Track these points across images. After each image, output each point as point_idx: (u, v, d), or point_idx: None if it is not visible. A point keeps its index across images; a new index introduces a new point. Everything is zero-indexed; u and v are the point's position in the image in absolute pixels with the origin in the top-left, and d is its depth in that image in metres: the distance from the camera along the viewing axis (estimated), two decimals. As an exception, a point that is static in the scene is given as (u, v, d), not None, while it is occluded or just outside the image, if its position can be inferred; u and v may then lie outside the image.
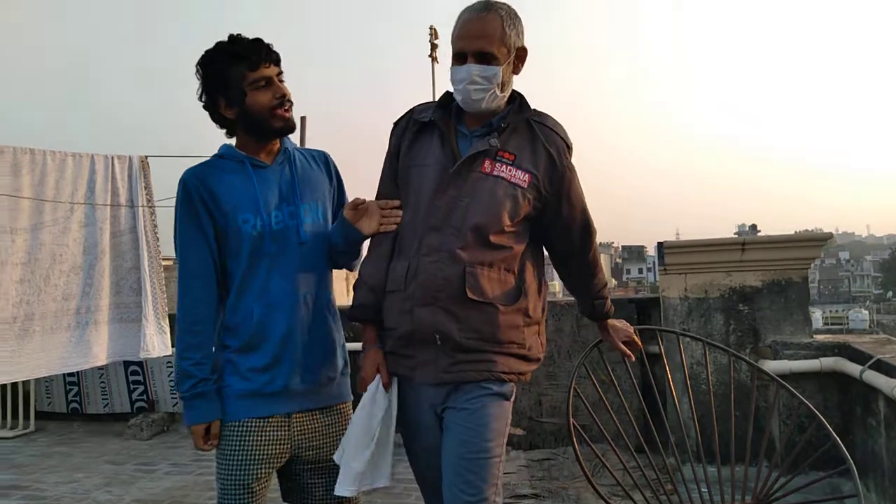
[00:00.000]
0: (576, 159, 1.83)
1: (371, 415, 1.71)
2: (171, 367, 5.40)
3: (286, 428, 1.75)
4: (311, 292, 1.79)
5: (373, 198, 1.86)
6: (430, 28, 15.00)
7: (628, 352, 2.12)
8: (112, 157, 4.90)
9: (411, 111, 1.86)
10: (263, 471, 1.73)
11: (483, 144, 1.70)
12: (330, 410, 1.84)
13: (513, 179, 1.70)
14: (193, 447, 1.75)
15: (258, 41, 1.73)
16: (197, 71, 1.76)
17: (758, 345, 3.92)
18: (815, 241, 4.15)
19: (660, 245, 4.20)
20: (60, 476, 4.31)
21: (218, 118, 1.80)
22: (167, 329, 4.77)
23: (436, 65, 14.96)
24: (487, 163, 1.71)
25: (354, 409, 1.77)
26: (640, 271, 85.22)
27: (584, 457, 2.29)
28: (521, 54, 1.76)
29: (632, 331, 2.14)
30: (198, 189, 1.72)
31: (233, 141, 1.83)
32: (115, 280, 4.84)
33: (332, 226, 1.88)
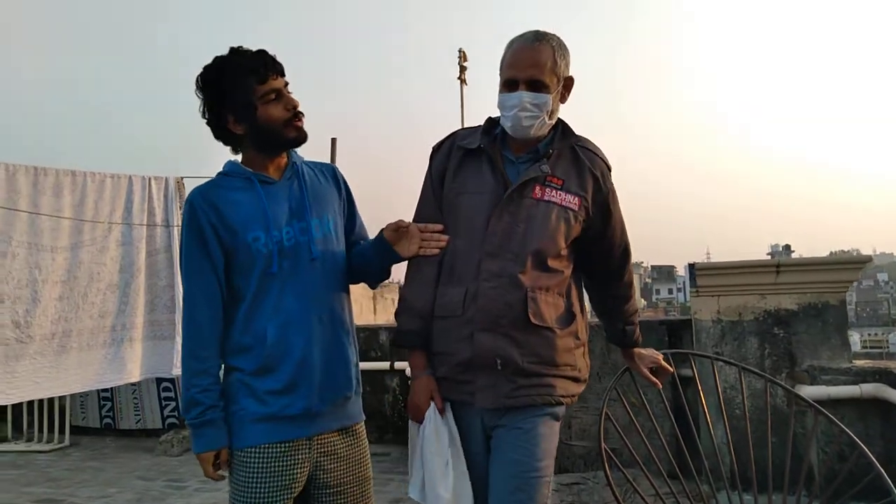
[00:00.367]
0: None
1: (440, 441, 1.72)
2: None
3: (307, 451, 1.69)
4: (326, 310, 1.73)
5: (410, 218, 1.87)
6: (459, 51, 15.13)
7: (654, 380, 2.09)
8: (149, 178, 5.05)
9: (453, 136, 1.89)
10: (286, 498, 1.66)
11: (535, 171, 1.74)
12: (347, 431, 1.78)
13: (564, 203, 1.75)
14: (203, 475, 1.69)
15: (263, 52, 1.68)
16: (198, 87, 1.69)
17: (794, 370, 3.82)
18: (852, 264, 4.05)
19: (691, 266, 4.14)
20: (93, 490, 4.37)
21: (224, 134, 1.73)
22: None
23: (464, 87, 15.06)
24: (538, 188, 1.75)
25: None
26: (670, 291, 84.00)
27: (615, 482, 2.24)
28: (568, 84, 1.81)
29: (659, 357, 2.11)
30: (203, 209, 1.66)
31: (238, 157, 1.77)
32: (150, 298, 4.95)
33: (367, 244, 1.86)
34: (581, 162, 1.80)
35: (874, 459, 2.33)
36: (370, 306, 9.39)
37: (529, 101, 1.71)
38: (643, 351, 2.12)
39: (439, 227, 1.81)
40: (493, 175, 1.77)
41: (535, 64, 1.72)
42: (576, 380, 1.81)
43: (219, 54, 1.69)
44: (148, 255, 4.94)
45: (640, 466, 2.40)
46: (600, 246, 1.86)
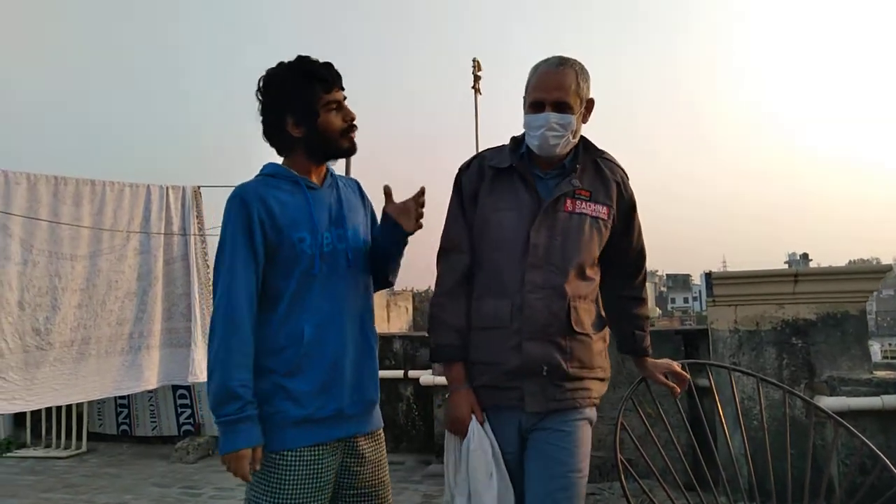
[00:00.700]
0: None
1: (484, 451, 1.79)
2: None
3: (339, 454, 1.71)
4: (358, 315, 1.78)
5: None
6: (474, 60, 15.16)
7: (672, 385, 2.08)
8: (167, 188, 5.11)
9: (480, 157, 1.97)
10: (321, 500, 1.66)
11: (566, 185, 1.85)
12: (372, 436, 1.80)
13: (594, 213, 1.87)
14: (234, 477, 1.59)
15: (330, 65, 1.74)
16: (260, 89, 1.73)
17: (813, 380, 3.78)
18: (872, 274, 4.00)
19: (707, 276, 4.12)
20: (110, 497, 4.41)
21: (280, 136, 1.75)
22: (215, 354, 4.88)
23: (479, 96, 15.08)
24: (569, 201, 1.85)
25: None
26: (686, 300, 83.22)
27: (631, 493, 2.22)
28: (589, 105, 1.91)
29: (674, 365, 2.11)
30: (255, 203, 1.65)
31: (279, 161, 1.80)
32: (167, 306, 5.00)
33: (376, 231, 1.88)
34: (603, 173, 1.91)
35: (897, 472, 2.29)
36: (384, 315, 9.40)
37: (556, 121, 1.81)
38: (657, 360, 2.13)
39: (421, 188, 1.81)
40: (526, 191, 1.87)
41: (560, 87, 1.81)
42: (602, 380, 1.92)
43: (284, 60, 1.74)
44: (165, 264, 4.99)
45: (656, 477, 2.38)
46: (619, 247, 1.95)
